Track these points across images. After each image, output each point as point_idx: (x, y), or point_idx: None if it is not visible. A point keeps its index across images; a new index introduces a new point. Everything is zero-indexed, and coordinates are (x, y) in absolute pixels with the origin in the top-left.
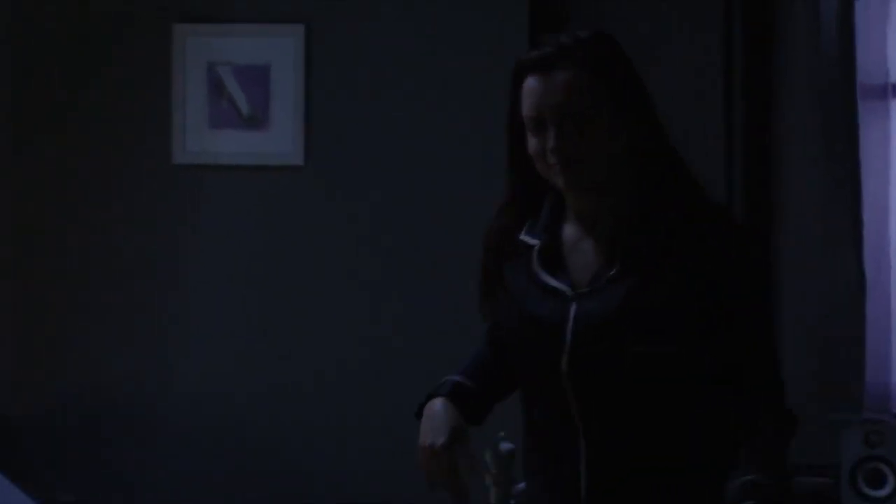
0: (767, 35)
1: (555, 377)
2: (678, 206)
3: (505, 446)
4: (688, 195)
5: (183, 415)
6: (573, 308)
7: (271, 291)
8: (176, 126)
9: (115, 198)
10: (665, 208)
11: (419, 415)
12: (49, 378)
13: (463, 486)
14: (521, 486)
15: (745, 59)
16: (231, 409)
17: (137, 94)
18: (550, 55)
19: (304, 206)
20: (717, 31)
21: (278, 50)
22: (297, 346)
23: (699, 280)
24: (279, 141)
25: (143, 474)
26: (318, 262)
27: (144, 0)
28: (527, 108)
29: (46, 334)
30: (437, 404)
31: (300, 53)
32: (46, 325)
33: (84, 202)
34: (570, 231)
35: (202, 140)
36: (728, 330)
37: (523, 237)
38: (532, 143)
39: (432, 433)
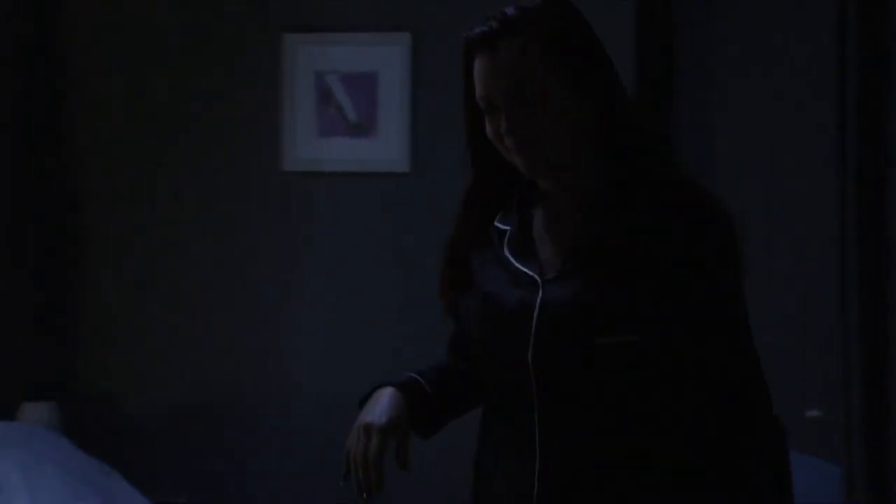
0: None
1: (519, 366)
2: (646, 186)
3: None
4: (656, 173)
5: (294, 418)
6: (539, 295)
7: (378, 297)
8: (285, 134)
9: (226, 204)
10: (633, 188)
11: (362, 403)
12: (171, 379)
13: (379, 478)
14: None
15: (860, 54)
16: (342, 412)
17: (248, 103)
18: (494, 30)
19: (410, 212)
20: (830, 29)
21: (385, 58)
22: (406, 351)
23: (667, 266)
24: (386, 148)
25: (257, 476)
26: (425, 269)
27: (255, 11)
28: (477, 90)
29: (167, 338)
30: (386, 392)
31: (407, 61)
32: (167, 329)
33: (196, 208)
34: (541, 215)
35: (311, 147)
36: (696, 322)
37: (497, 223)
38: (488, 126)
39: (371, 414)
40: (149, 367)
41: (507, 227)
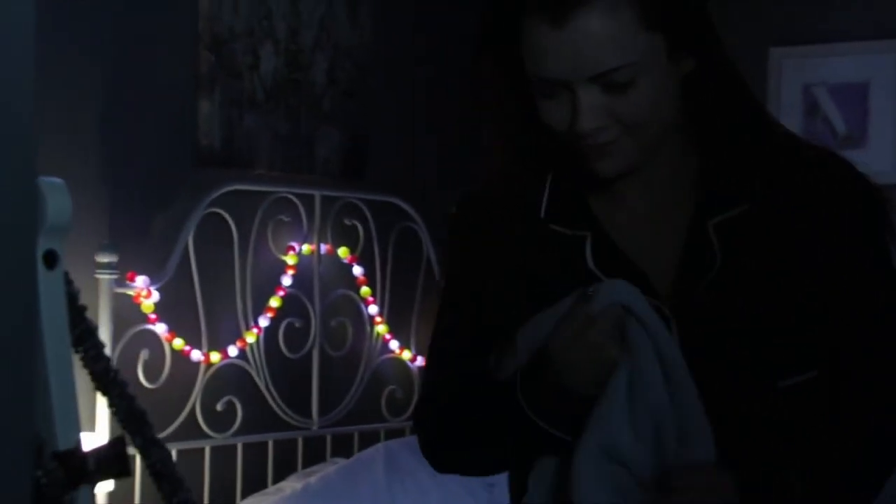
0: None
1: None
2: (765, 161)
3: None
4: (775, 143)
5: None
6: (673, 329)
7: None
8: None
9: None
10: (748, 167)
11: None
12: None
13: None
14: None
15: None
16: None
17: None
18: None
19: None
20: None
21: (877, 67)
22: None
23: (813, 259)
24: (877, 159)
25: None
26: None
27: (741, 24)
28: (538, 66)
29: None
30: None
31: None
32: None
33: None
34: (609, 210)
35: None
36: (865, 327)
37: (558, 227)
38: (548, 109)
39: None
40: None
41: (583, 232)
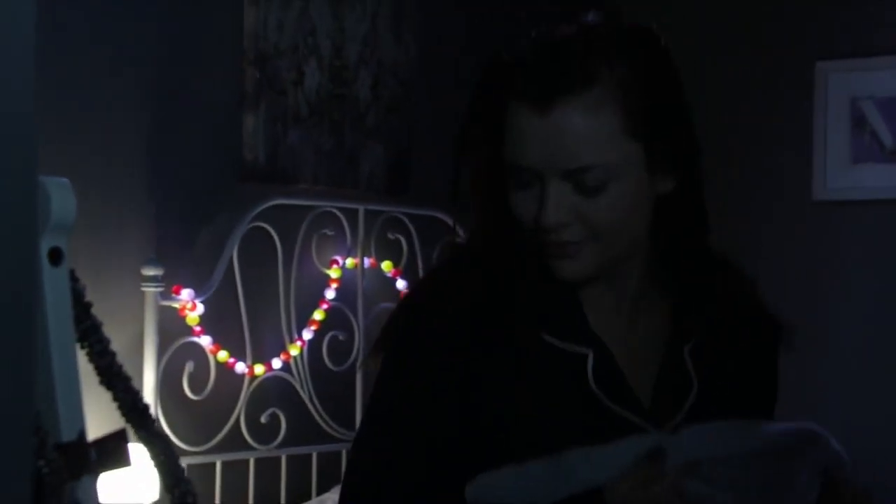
0: None
1: None
2: (720, 286)
3: None
4: (704, 259)
5: None
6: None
7: None
8: (817, 163)
9: (753, 233)
10: (711, 293)
11: None
12: None
13: None
14: None
15: None
16: (876, 461)
17: (779, 131)
18: (554, 78)
19: None
20: None
21: None
22: None
23: (759, 378)
24: None
25: None
26: None
27: (787, 38)
28: (515, 153)
29: None
30: None
31: None
32: None
33: (722, 238)
34: (592, 318)
35: (843, 176)
36: None
37: (548, 338)
38: (519, 199)
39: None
40: None
41: (583, 349)
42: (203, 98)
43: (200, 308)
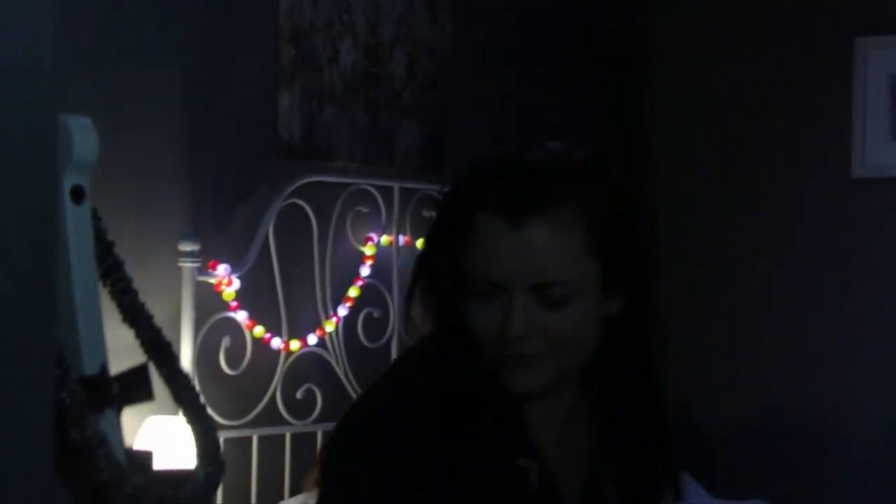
0: None
1: None
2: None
3: None
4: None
5: (864, 435)
6: None
7: None
8: (856, 140)
9: (792, 211)
10: (635, 421)
11: None
12: (735, 389)
13: None
14: None
15: None
16: None
17: (818, 108)
18: (530, 197)
19: None
20: None
21: None
22: None
23: None
24: None
25: (835, 493)
26: None
27: (826, 14)
28: (482, 265)
29: (728, 346)
30: None
31: None
32: (727, 337)
33: (758, 213)
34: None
35: (882, 153)
36: None
37: (493, 451)
38: (481, 311)
39: None
40: (714, 376)
41: (528, 464)
42: (239, 75)
43: (237, 284)
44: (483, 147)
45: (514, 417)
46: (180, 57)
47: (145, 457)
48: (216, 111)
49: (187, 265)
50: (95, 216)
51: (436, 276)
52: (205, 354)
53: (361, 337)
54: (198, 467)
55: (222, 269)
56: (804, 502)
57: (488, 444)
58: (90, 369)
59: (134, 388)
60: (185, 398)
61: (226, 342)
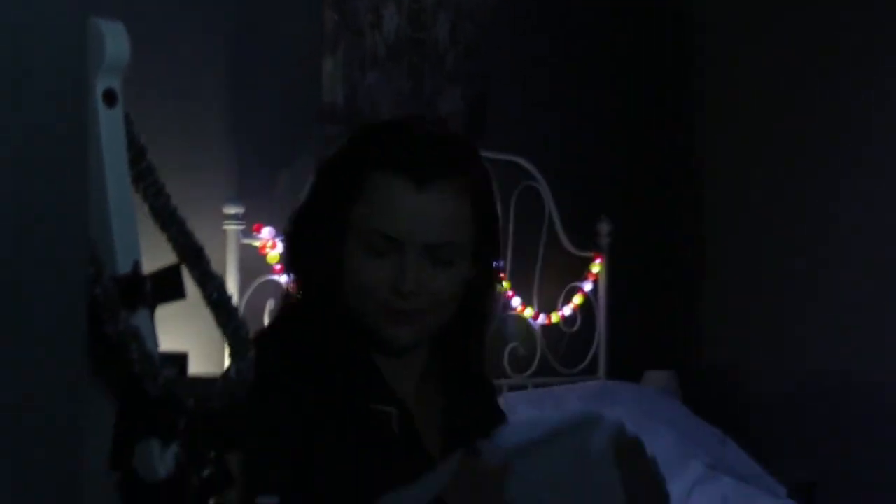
0: None
1: None
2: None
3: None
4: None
5: None
6: None
7: None
8: None
9: (842, 175)
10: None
11: None
12: (788, 357)
13: None
14: None
15: None
16: None
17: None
18: (434, 163)
19: None
20: None
21: None
22: None
23: None
24: None
25: (882, 459)
26: None
27: None
28: (380, 221)
29: (782, 315)
30: None
31: None
32: (782, 307)
33: (826, 190)
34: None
35: None
36: None
37: (359, 399)
38: (372, 266)
39: None
40: (766, 344)
41: (388, 408)
42: (283, 40)
43: (281, 246)
44: (523, 114)
45: (375, 371)
46: (225, 23)
47: (180, 357)
48: (260, 76)
49: (232, 228)
50: (128, 121)
51: (324, 230)
52: (250, 316)
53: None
54: (229, 366)
55: (266, 232)
56: (849, 469)
57: (354, 395)
58: (124, 269)
59: (166, 287)
60: (216, 300)
61: (270, 304)
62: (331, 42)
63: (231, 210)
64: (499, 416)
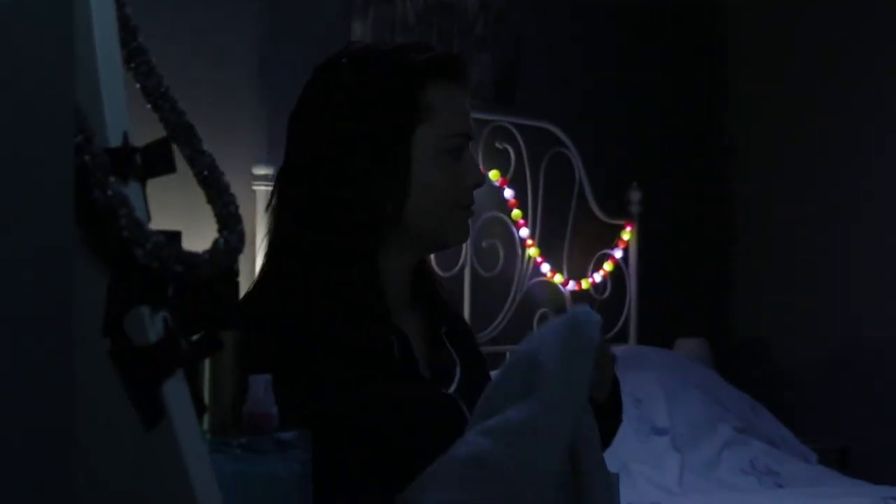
0: None
1: None
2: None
3: None
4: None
5: None
6: (465, 410)
7: None
8: None
9: (878, 145)
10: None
11: None
12: (820, 326)
13: None
14: None
15: None
16: None
17: None
18: (464, 65)
19: None
20: None
21: None
22: None
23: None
24: None
25: None
26: None
27: None
28: (461, 123)
29: (815, 284)
30: None
31: None
32: (815, 276)
33: (848, 160)
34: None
35: None
36: None
37: (364, 330)
38: (446, 173)
39: None
40: (798, 312)
41: (389, 337)
42: (313, 5)
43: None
44: (553, 81)
45: (380, 300)
46: None
47: (174, 234)
48: (290, 41)
49: (261, 188)
50: (119, 2)
51: (388, 156)
52: None
53: (435, 266)
54: (218, 237)
55: None
56: (882, 436)
57: (361, 326)
58: (114, 140)
59: (157, 160)
60: (206, 177)
61: None
62: (360, 7)
63: (261, 171)
64: (479, 356)
